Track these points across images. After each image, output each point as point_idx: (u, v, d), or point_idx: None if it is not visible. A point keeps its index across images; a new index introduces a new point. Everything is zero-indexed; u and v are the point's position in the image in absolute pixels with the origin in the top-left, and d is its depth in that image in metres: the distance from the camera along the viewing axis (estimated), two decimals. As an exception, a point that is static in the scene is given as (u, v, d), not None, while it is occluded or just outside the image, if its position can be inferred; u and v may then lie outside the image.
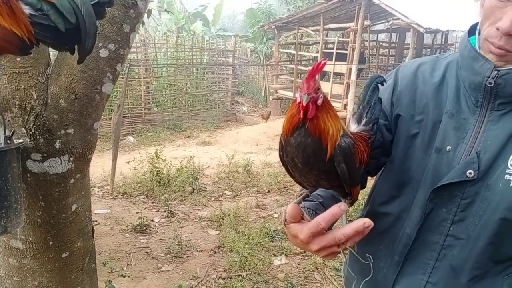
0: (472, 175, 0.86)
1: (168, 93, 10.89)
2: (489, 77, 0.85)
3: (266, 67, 14.00)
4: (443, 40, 12.94)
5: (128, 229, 4.28)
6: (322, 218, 0.80)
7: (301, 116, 0.75)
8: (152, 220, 4.58)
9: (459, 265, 0.89)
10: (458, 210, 0.88)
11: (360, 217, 1.10)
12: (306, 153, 0.77)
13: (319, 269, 3.51)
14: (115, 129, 5.26)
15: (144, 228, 4.30)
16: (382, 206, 1.04)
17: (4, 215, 1.17)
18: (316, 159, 0.77)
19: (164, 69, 11.04)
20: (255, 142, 8.76)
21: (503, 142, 0.85)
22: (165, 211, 4.79)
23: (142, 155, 5.93)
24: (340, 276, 3.35)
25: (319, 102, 0.75)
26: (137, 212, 4.63)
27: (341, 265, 3.56)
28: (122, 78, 6.00)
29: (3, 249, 1.55)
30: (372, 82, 0.94)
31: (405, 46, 11.86)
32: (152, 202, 5.16)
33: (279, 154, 0.85)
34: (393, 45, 12.60)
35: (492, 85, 0.85)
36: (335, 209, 0.80)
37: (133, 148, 8.14)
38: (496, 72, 0.84)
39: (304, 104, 0.73)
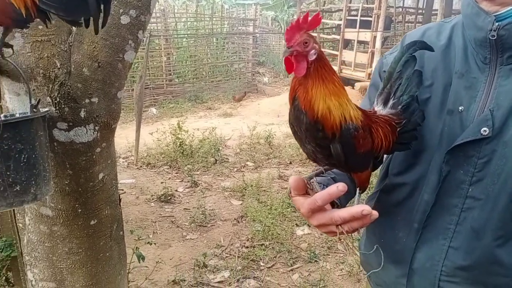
0: (486, 133, 0.84)
1: (189, 64, 10.84)
2: (491, 30, 0.84)
3: (288, 36, 13.68)
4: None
5: (153, 199, 4.38)
6: (320, 196, 0.80)
7: (289, 73, 0.72)
8: (176, 190, 4.65)
9: (480, 227, 0.88)
10: (476, 170, 0.87)
11: (377, 191, 1.09)
12: (299, 123, 0.75)
13: (342, 240, 3.51)
14: (138, 100, 5.29)
15: (169, 197, 4.38)
16: (398, 176, 1.02)
17: (33, 182, 1.19)
18: (309, 132, 0.75)
19: (184, 39, 10.95)
20: (277, 114, 8.69)
21: None
22: (188, 181, 4.86)
23: (165, 126, 5.98)
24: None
25: (311, 58, 0.70)
26: (162, 182, 4.71)
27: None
28: (143, 49, 5.99)
29: (34, 216, 1.60)
30: (403, 54, 0.85)
31: (433, 12, 11.35)
32: (176, 173, 5.24)
33: (289, 124, 0.83)
34: (420, 11, 12.07)
35: (495, 37, 0.84)
36: (332, 188, 0.79)
37: (156, 120, 8.22)
38: (497, 24, 0.83)
39: (282, 57, 0.69)
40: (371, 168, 0.88)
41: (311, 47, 0.70)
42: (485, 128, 0.84)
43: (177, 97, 9.94)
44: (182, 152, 5.60)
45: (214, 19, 11.17)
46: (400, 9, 11.74)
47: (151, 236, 3.61)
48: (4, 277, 2.25)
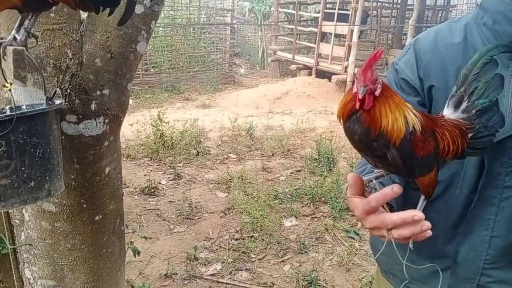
0: None
1: (165, 53, 10.63)
2: None
3: (264, 28, 13.65)
4: (446, 1, 12.65)
5: (136, 191, 4.29)
6: (374, 197, 0.78)
7: (357, 107, 0.74)
8: (160, 182, 4.58)
9: None
10: (511, 161, 0.91)
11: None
12: (355, 139, 0.76)
13: (329, 231, 3.57)
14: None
15: (152, 190, 4.31)
16: None
17: (48, 178, 1.14)
18: (365, 146, 0.76)
19: (160, 28, 10.71)
20: (255, 106, 8.68)
21: None
22: (171, 174, 4.79)
23: (145, 117, 5.86)
24: (351, 238, 3.42)
25: (377, 93, 0.73)
26: (145, 175, 4.62)
27: (351, 226, 3.63)
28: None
29: (36, 212, 1.54)
30: (482, 56, 0.82)
31: (408, 7, 11.60)
32: (158, 165, 5.15)
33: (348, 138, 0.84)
34: (396, 6, 12.29)
35: None
36: (387, 190, 0.77)
37: (132, 110, 8.02)
38: None
39: (360, 97, 0.72)
40: (435, 173, 0.84)
41: (378, 82, 0.73)
42: None
43: (153, 87, 9.75)
44: (163, 144, 5.51)
45: (191, 8, 10.98)
46: (376, 4, 11.91)
47: (137, 229, 3.54)
48: (-8, 275, 2.15)
